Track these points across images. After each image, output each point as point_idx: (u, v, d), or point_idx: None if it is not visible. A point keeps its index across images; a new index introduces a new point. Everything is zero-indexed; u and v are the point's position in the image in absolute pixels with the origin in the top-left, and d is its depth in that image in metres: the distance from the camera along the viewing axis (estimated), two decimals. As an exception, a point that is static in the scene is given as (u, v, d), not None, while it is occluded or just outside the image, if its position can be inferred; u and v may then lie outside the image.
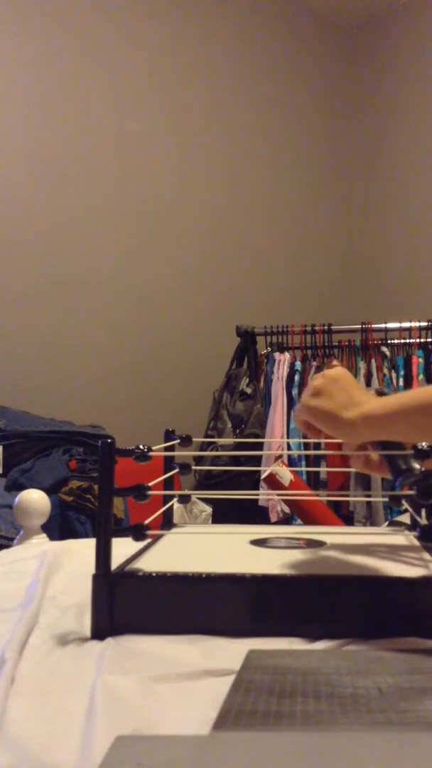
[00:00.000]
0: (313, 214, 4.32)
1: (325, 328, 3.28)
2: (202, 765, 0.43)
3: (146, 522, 0.76)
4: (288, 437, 3.06)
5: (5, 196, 3.09)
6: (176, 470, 1.03)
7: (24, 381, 3.06)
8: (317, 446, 3.03)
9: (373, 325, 3.22)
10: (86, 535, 2.19)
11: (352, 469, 0.94)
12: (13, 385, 2.99)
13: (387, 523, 1.42)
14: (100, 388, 3.33)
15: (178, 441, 1.06)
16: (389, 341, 3.21)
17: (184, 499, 1.09)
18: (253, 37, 4.03)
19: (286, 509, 2.92)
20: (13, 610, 0.81)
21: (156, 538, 0.93)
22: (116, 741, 0.47)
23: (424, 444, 0.76)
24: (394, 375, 3.13)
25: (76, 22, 3.32)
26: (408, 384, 3.08)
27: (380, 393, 0.83)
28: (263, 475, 1.61)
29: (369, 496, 2.88)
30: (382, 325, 3.20)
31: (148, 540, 0.84)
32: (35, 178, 3.19)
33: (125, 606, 0.72)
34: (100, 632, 0.71)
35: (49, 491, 1.99)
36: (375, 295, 4.27)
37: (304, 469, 2.95)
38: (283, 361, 3.24)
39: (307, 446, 3.06)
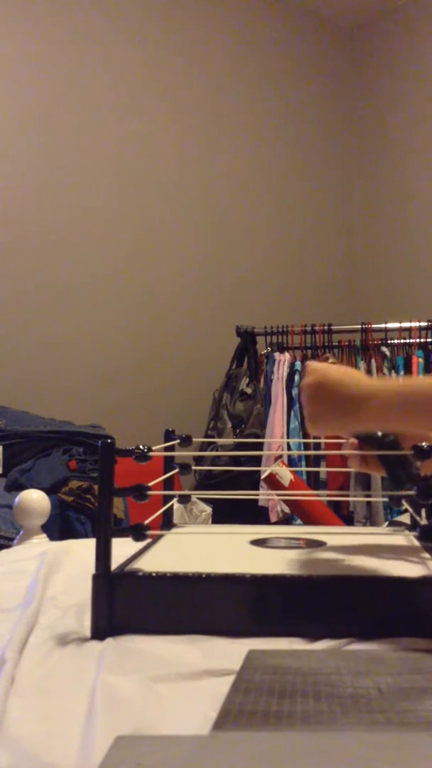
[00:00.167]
0: (314, 214, 4.32)
1: (325, 328, 3.28)
2: (202, 765, 0.43)
3: (146, 522, 0.76)
4: (288, 437, 3.06)
5: (5, 196, 3.09)
6: (176, 470, 1.03)
7: (24, 381, 3.06)
8: (317, 446, 3.03)
9: (373, 325, 3.22)
10: (86, 535, 2.19)
11: (352, 469, 0.95)
12: (13, 385, 2.99)
13: (387, 523, 1.42)
14: (100, 388, 3.33)
15: (178, 441, 1.06)
16: (389, 341, 3.21)
17: (184, 499, 1.09)
18: (253, 37, 4.03)
19: (286, 509, 2.91)
20: (13, 610, 0.81)
21: (156, 538, 0.93)
22: (116, 741, 0.47)
23: (423, 444, 0.76)
24: (394, 375, 3.13)
25: (76, 22, 3.32)
26: (408, 384, 3.07)
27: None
28: (263, 475, 1.61)
29: (369, 496, 2.88)
30: (382, 325, 3.20)
31: (148, 540, 0.84)
32: (36, 178, 3.19)
33: (125, 606, 0.72)
34: (100, 632, 0.71)
35: (49, 491, 1.99)
36: (375, 295, 4.27)
37: (304, 469, 2.95)
38: (283, 361, 3.24)
39: (307, 446, 3.06)
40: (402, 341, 3.21)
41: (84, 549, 1.01)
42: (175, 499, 1.11)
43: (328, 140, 4.42)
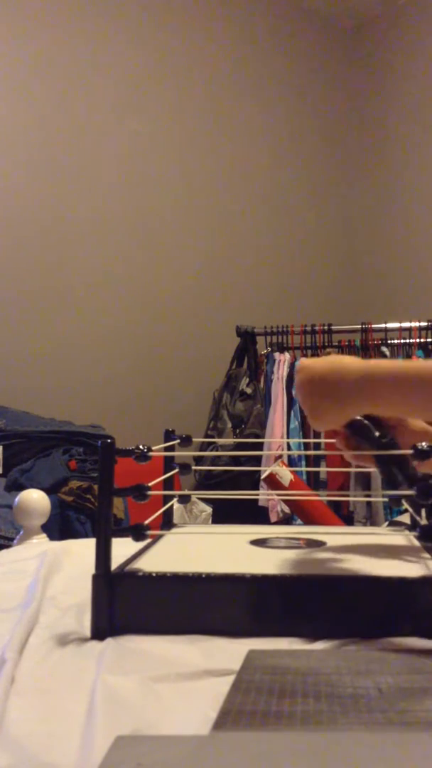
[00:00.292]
0: (314, 214, 4.32)
1: (325, 328, 3.28)
2: (202, 765, 0.43)
3: (146, 522, 0.76)
4: (288, 437, 3.06)
5: (6, 196, 3.10)
6: (176, 470, 1.03)
7: (24, 381, 3.06)
8: (317, 446, 3.03)
9: (373, 325, 3.22)
10: (86, 535, 2.19)
11: (352, 469, 0.95)
12: (13, 385, 2.99)
13: (387, 523, 1.42)
14: (100, 388, 3.33)
15: (178, 441, 1.06)
16: (389, 341, 3.21)
17: (184, 499, 1.09)
18: (253, 37, 4.03)
19: (286, 509, 2.91)
20: (13, 610, 0.81)
21: (156, 538, 0.93)
22: (116, 741, 0.47)
23: (423, 444, 0.76)
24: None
25: (76, 22, 3.32)
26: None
27: None
28: (263, 475, 1.61)
29: (369, 496, 2.88)
30: (382, 325, 3.20)
31: (148, 540, 0.84)
32: (36, 179, 3.19)
33: (125, 606, 0.72)
34: (100, 632, 0.71)
35: (49, 491, 1.99)
36: (375, 295, 4.27)
37: (304, 469, 2.95)
38: (283, 361, 3.24)
39: (307, 446, 3.06)
40: (402, 341, 3.21)
41: (84, 549, 1.01)
42: (175, 499, 1.11)
43: (328, 140, 4.42)
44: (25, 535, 1.27)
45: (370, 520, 3.06)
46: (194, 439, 1.08)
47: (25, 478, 2.35)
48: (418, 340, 3.17)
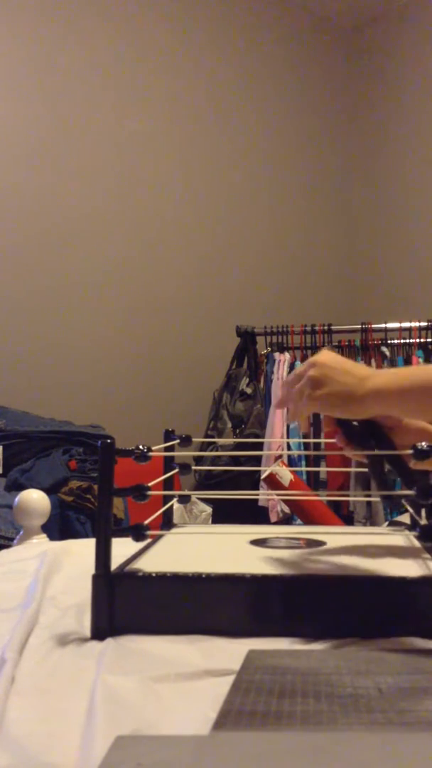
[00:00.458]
0: (314, 214, 4.32)
1: (325, 328, 3.28)
2: (202, 765, 0.43)
3: (146, 522, 0.76)
4: (288, 437, 3.06)
5: (5, 195, 3.09)
6: (176, 470, 1.03)
7: (24, 381, 3.06)
8: (317, 446, 3.03)
9: (373, 325, 3.22)
10: (86, 535, 2.19)
11: (352, 469, 0.95)
12: (13, 385, 2.99)
13: (387, 523, 1.42)
14: (100, 388, 3.33)
15: (177, 441, 1.05)
16: (389, 341, 3.21)
17: (184, 499, 1.09)
18: (253, 37, 4.03)
19: (286, 509, 2.91)
20: (13, 610, 0.81)
21: (156, 538, 0.93)
22: (116, 741, 0.47)
23: (423, 444, 0.76)
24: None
25: (76, 22, 3.32)
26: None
27: None
28: (263, 475, 1.61)
29: (369, 496, 2.88)
30: (382, 325, 3.20)
31: (148, 540, 0.84)
32: (35, 178, 3.19)
33: (125, 606, 0.72)
34: (100, 632, 0.71)
35: (49, 491, 1.99)
36: (375, 295, 4.27)
37: (304, 469, 2.95)
38: (283, 361, 3.24)
39: (307, 446, 3.06)
40: (402, 341, 3.21)
41: (84, 549, 1.01)
42: (175, 499, 1.11)
43: (328, 140, 4.42)
44: (25, 535, 1.27)
45: (370, 520, 3.06)
46: (194, 439, 1.08)
47: (25, 478, 2.35)
48: (418, 340, 3.17)
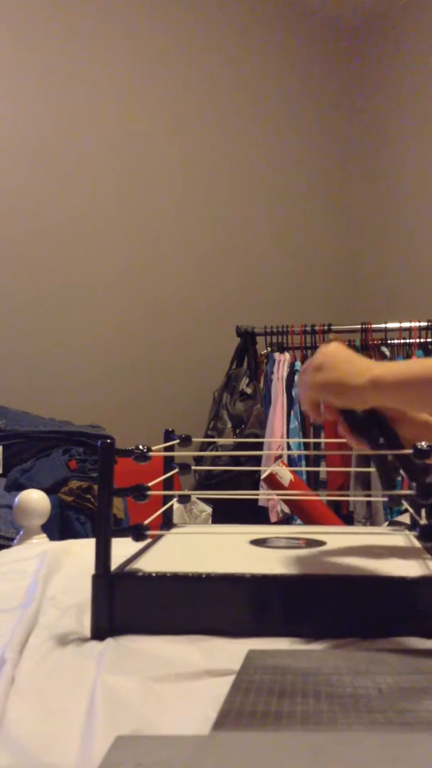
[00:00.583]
0: (314, 214, 4.32)
1: (325, 328, 3.28)
2: (202, 765, 0.43)
3: (146, 522, 0.76)
4: (288, 437, 3.06)
5: (6, 196, 3.09)
6: (176, 470, 1.03)
7: (24, 381, 3.06)
8: (317, 446, 3.03)
9: (373, 325, 3.22)
10: (86, 535, 2.19)
11: (352, 469, 0.95)
12: (13, 385, 2.99)
13: (387, 523, 1.42)
14: (100, 388, 3.33)
15: (177, 441, 1.05)
16: (389, 341, 3.21)
17: (184, 499, 1.09)
18: (253, 37, 4.03)
19: (286, 509, 2.91)
20: (13, 610, 0.81)
21: (156, 538, 0.93)
22: (116, 741, 0.47)
23: (423, 444, 0.76)
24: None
25: (77, 22, 3.32)
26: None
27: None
28: (263, 475, 1.61)
29: (369, 496, 2.88)
30: (382, 325, 3.20)
31: (148, 540, 0.84)
32: (36, 179, 3.19)
33: (125, 606, 0.72)
34: (100, 632, 0.71)
35: (49, 491, 1.99)
36: (375, 295, 4.27)
37: (304, 469, 2.95)
38: (283, 361, 3.24)
39: (307, 446, 3.06)
40: (402, 341, 3.21)
41: (84, 549, 1.01)
42: (175, 499, 1.11)
43: (328, 140, 4.42)
44: (25, 535, 1.27)
45: (370, 520, 3.06)
46: (194, 439, 1.08)
47: (25, 478, 2.35)
48: (418, 340, 3.17)
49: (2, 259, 3.07)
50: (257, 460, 2.84)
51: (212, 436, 3.26)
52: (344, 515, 3.07)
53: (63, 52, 3.28)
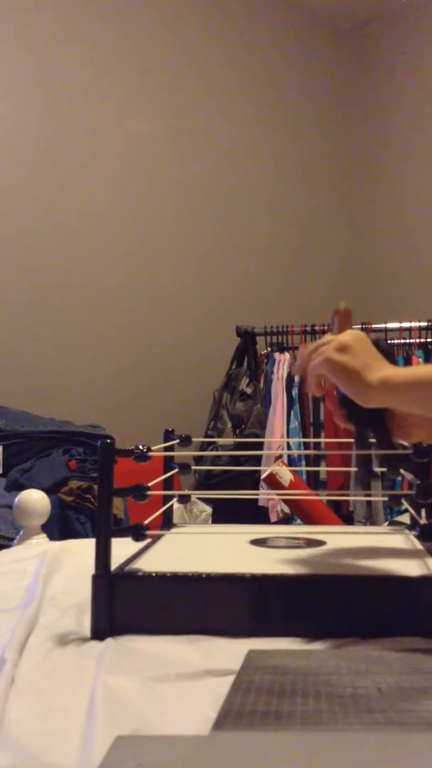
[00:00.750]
0: (314, 214, 4.32)
1: (325, 328, 3.27)
2: (202, 765, 0.43)
3: (146, 522, 0.76)
4: (288, 437, 3.06)
5: (6, 196, 3.09)
6: (176, 470, 1.03)
7: (24, 381, 3.06)
8: (317, 446, 3.03)
9: (373, 325, 3.22)
10: (86, 535, 2.19)
11: (352, 469, 0.94)
12: (13, 385, 2.99)
13: (387, 523, 1.42)
14: (100, 388, 3.33)
15: (177, 441, 1.05)
16: (389, 341, 3.21)
17: (184, 499, 1.09)
18: (252, 37, 4.03)
19: (286, 509, 2.91)
20: (13, 610, 0.81)
21: (156, 538, 0.93)
22: (116, 741, 0.47)
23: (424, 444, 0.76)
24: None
25: (77, 22, 3.32)
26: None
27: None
28: (263, 475, 1.61)
29: (369, 496, 2.88)
30: (382, 325, 3.20)
31: (148, 540, 0.84)
32: (36, 179, 3.19)
33: (125, 606, 0.72)
34: (100, 632, 0.71)
35: (49, 491, 1.99)
36: (375, 295, 4.27)
37: (304, 469, 2.95)
38: (283, 361, 3.24)
39: (307, 446, 3.06)
40: (402, 341, 3.21)
41: (84, 549, 1.01)
42: (174, 499, 1.11)
43: (328, 140, 4.42)
44: (25, 535, 1.26)
45: (370, 520, 3.06)
46: (194, 439, 1.08)
47: (25, 478, 2.35)
48: (418, 340, 3.17)
49: (2, 259, 3.07)
50: (257, 460, 2.83)
51: (212, 436, 3.26)
52: (344, 515, 3.07)
53: (63, 52, 3.28)
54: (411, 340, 3.19)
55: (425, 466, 0.84)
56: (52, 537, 1.31)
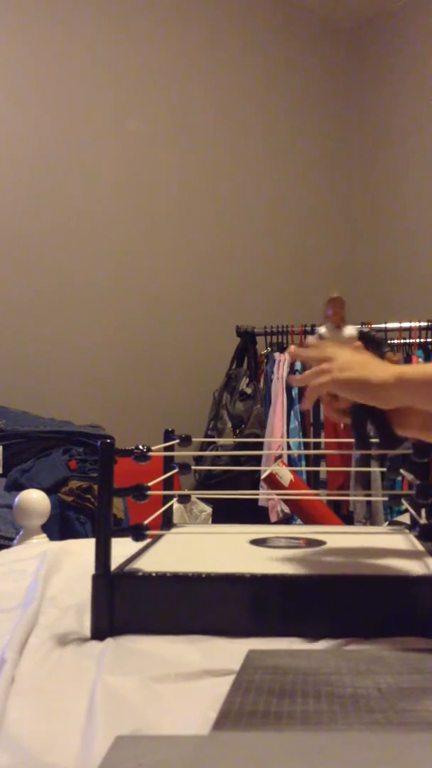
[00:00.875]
0: (314, 214, 4.32)
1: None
2: (202, 765, 0.43)
3: (146, 522, 0.76)
4: (288, 437, 3.06)
5: (6, 196, 3.09)
6: (176, 470, 1.03)
7: (24, 381, 3.06)
8: (317, 446, 3.03)
9: (373, 325, 3.22)
10: (86, 535, 2.19)
11: (352, 469, 0.95)
12: (13, 385, 2.99)
13: (387, 523, 1.42)
14: (100, 388, 3.33)
15: (177, 441, 1.05)
16: (389, 341, 3.21)
17: (184, 499, 1.09)
18: (252, 37, 4.03)
19: (286, 509, 2.91)
20: (13, 610, 0.81)
21: (156, 538, 0.93)
22: (116, 741, 0.47)
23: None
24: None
25: (77, 22, 3.32)
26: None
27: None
28: (263, 475, 1.61)
29: (369, 496, 2.88)
30: (382, 325, 3.20)
31: (148, 540, 0.84)
32: (36, 179, 3.19)
33: (125, 606, 0.72)
34: (100, 632, 0.71)
35: (49, 491, 1.99)
36: (375, 295, 4.27)
37: (304, 469, 2.95)
38: (283, 361, 3.24)
39: (307, 446, 3.06)
40: (402, 341, 3.21)
41: (84, 549, 1.01)
42: (174, 499, 1.11)
43: (328, 140, 4.42)
44: (25, 535, 1.27)
45: (370, 520, 3.06)
46: (194, 439, 1.08)
47: (25, 478, 2.35)
48: (418, 340, 3.17)
49: (2, 259, 3.07)
50: (257, 460, 2.83)
51: (212, 436, 3.26)
52: (344, 515, 3.07)
53: (63, 52, 3.28)
54: (411, 340, 3.19)
55: (425, 466, 0.84)
56: (52, 537, 1.31)
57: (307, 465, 3.03)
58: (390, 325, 3.18)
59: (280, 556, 0.83)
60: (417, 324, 3.16)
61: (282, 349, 3.32)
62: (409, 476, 0.88)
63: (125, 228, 3.48)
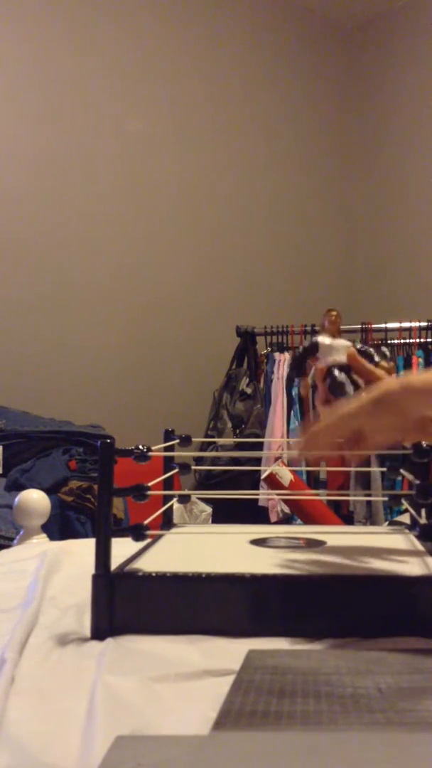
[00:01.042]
0: (314, 214, 4.32)
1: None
2: (202, 765, 0.43)
3: (146, 522, 0.76)
4: (288, 437, 3.06)
5: (6, 196, 3.10)
6: (176, 470, 1.03)
7: (24, 381, 3.06)
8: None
9: (373, 325, 3.22)
10: (86, 535, 2.19)
11: (352, 469, 0.95)
12: (13, 385, 2.99)
13: (387, 523, 1.42)
14: (100, 388, 3.33)
15: (177, 441, 1.05)
16: (389, 341, 3.21)
17: (184, 499, 1.08)
18: (253, 37, 4.03)
19: (286, 509, 2.91)
20: (13, 610, 0.81)
21: (156, 538, 0.93)
22: (116, 741, 0.47)
23: (424, 443, 0.76)
24: (394, 375, 3.13)
25: (77, 22, 3.32)
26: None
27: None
28: (263, 475, 1.61)
29: (369, 495, 2.88)
30: (382, 325, 3.20)
31: (148, 540, 0.84)
32: (36, 179, 3.19)
33: (125, 606, 0.72)
34: (100, 632, 0.71)
35: (49, 491, 1.99)
36: (375, 295, 4.27)
37: (304, 469, 2.95)
38: (283, 361, 3.24)
39: (307, 446, 3.05)
40: (402, 341, 3.21)
41: (84, 549, 1.01)
42: (175, 499, 1.11)
43: (328, 140, 4.42)
44: (25, 535, 1.26)
45: (370, 520, 3.06)
46: (194, 439, 1.08)
47: (25, 478, 2.35)
48: (418, 340, 3.17)
49: (2, 259, 3.08)
50: (257, 460, 2.83)
51: (212, 436, 3.26)
52: (344, 515, 3.07)
53: (63, 52, 3.28)
54: (411, 340, 3.19)
55: (425, 466, 0.84)
56: (52, 537, 1.31)
57: (307, 465, 3.03)
58: (390, 325, 3.18)
59: (280, 556, 0.83)
60: (417, 324, 3.16)
61: (282, 349, 3.32)
62: (409, 476, 0.88)
63: (125, 228, 3.48)
